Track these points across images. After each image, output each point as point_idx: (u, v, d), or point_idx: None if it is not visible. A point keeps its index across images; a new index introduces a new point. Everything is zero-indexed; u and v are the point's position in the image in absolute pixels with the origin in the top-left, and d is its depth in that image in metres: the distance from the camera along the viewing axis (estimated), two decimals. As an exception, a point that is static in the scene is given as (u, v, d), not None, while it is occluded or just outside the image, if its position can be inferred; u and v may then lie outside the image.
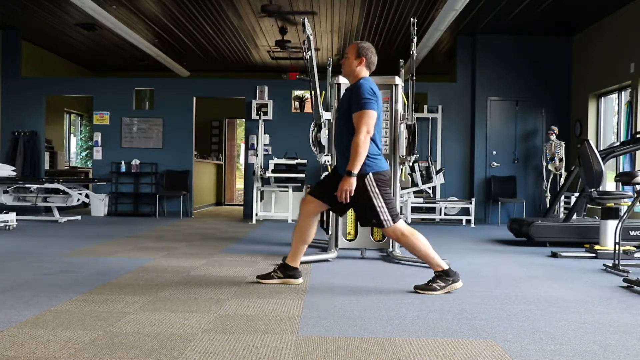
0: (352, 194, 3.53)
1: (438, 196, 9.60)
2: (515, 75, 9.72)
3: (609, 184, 7.68)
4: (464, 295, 3.59)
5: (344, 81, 5.23)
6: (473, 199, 9.15)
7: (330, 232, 5.29)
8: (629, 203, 5.14)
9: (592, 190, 5.53)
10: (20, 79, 9.99)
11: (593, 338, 2.65)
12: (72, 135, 13.43)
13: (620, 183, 7.24)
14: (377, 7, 8.18)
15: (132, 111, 10.09)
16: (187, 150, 10.06)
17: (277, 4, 8.06)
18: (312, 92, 5.26)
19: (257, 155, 9.28)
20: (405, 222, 3.96)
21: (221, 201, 14.07)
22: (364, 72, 3.76)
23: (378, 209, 3.56)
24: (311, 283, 3.94)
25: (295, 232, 3.88)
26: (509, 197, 9.48)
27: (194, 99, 10.17)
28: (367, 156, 3.55)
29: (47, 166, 10.54)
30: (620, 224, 4.59)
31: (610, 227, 5.37)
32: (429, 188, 9.32)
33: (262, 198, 9.50)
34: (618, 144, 7.03)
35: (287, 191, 9.06)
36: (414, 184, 8.90)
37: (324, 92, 5.55)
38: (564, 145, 8.91)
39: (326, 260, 4.98)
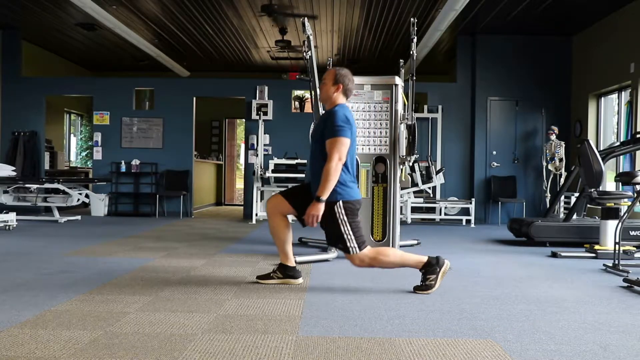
0: (320, 220, 3.56)
1: (438, 196, 9.60)
2: (515, 75, 9.72)
3: (609, 184, 7.68)
4: (464, 295, 3.59)
5: (344, 81, 5.23)
6: (473, 199, 9.14)
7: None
8: (629, 203, 5.14)
9: (592, 190, 5.53)
10: (20, 79, 9.99)
11: (593, 338, 2.66)
12: (72, 135, 13.43)
13: (620, 183, 7.24)
14: (377, 7, 8.18)
15: (132, 111, 10.09)
16: (187, 150, 10.06)
17: (277, 4, 8.06)
18: (312, 92, 5.26)
19: (257, 155, 9.28)
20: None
21: (221, 201, 14.07)
22: (340, 99, 3.77)
23: (345, 236, 3.58)
24: (311, 283, 3.95)
25: (272, 236, 3.89)
26: (509, 197, 9.48)
27: (194, 99, 10.17)
28: (339, 183, 3.57)
29: (47, 166, 10.54)
30: (620, 224, 4.59)
31: (610, 227, 5.37)
32: (429, 188, 9.32)
33: (262, 198, 9.49)
34: (618, 144, 7.03)
35: (287, 191, 9.04)
36: (414, 184, 8.90)
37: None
38: (564, 145, 8.91)
39: (326, 260, 4.98)
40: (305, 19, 5.20)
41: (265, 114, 9.78)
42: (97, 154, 10.05)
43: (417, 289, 3.65)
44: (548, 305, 3.36)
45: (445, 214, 9.45)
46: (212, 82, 10.53)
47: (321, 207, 3.51)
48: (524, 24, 8.93)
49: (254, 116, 9.80)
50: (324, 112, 3.90)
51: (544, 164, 9.25)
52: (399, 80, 5.28)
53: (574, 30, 9.36)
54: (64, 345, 2.40)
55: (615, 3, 7.91)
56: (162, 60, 11.16)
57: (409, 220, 8.91)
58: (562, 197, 8.12)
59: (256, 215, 9.08)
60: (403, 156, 5.24)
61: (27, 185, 8.54)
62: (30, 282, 3.78)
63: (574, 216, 6.57)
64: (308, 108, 11.33)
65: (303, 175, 9.01)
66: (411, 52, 5.36)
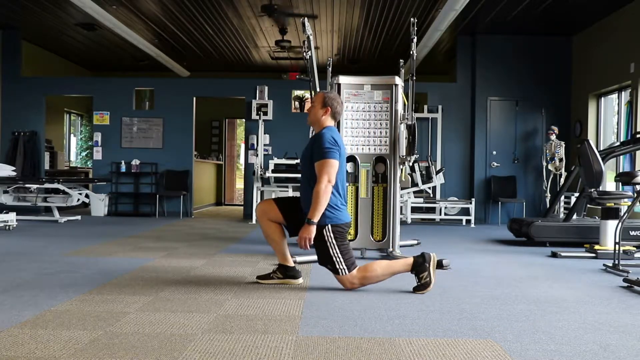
0: (312, 242, 3.59)
1: (438, 196, 9.60)
2: (515, 75, 9.72)
3: (609, 184, 7.68)
4: (464, 295, 3.59)
5: (344, 81, 5.24)
6: (473, 199, 9.14)
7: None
8: (629, 203, 5.14)
9: (592, 190, 5.53)
10: (20, 79, 9.99)
11: (593, 338, 2.66)
12: (72, 135, 13.43)
13: (620, 183, 7.24)
14: (377, 7, 8.18)
15: (132, 111, 10.09)
16: (187, 150, 10.06)
17: (277, 4, 8.06)
18: (312, 92, 5.26)
19: (257, 155, 9.28)
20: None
21: (221, 201, 14.07)
22: (328, 122, 3.81)
23: (334, 258, 3.61)
24: (311, 283, 3.95)
25: (266, 238, 3.91)
26: (509, 197, 9.48)
27: (194, 99, 10.17)
28: (329, 206, 3.60)
29: (47, 166, 10.54)
30: (620, 224, 4.59)
31: (610, 227, 5.37)
32: (429, 188, 9.32)
33: (262, 198, 9.48)
34: (618, 144, 7.03)
35: (287, 191, 9.05)
36: (414, 184, 8.90)
37: (324, 92, 5.54)
38: (564, 145, 8.91)
39: (326, 260, 4.97)
40: (305, 19, 5.20)
41: (265, 114, 9.78)
42: (97, 154, 10.05)
43: (416, 290, 3.66)
44: (548, 305, 3.36)
45: (445, 214, 9.45)
46: (212, 82, 10.54)
47: (312, 230, 3.54)
48: (524, 24, 8.93)
49: (254, 116, 9.80)
50: (312, 135, 3.94)
51: (544, 164, 9.25)
52: (399, 80, 5.28)
53: (574, 30, 9.36)
54: (64, 345, 2.40)
55: (615, 3, 7.91)
56: (162, 60, 11.16)
57: (409, 220, 8.91)
58: (562, 197, 8.12)
59: (255, 216, 9.07)
60: (403, 156, 5.24)
61: (27, 185, 8.53)
62: (30, 282, 3.78)
63: (574, 216, 6.57)
64: (307, 108, 11.32)
65: (301, 176, 8.99)
66: (411, 52, 5.36)
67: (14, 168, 8.89)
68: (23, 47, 10.14)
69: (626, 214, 4.72)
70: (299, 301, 3.35)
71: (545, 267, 4.87)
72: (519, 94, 9.72)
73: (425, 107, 9.90)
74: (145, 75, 12.34)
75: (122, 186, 10.02)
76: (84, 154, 13.52)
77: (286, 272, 3.88)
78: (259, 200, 9.20)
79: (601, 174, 5.62)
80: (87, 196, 9.18)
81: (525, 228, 6.32)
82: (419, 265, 3.64)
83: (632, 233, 5.91)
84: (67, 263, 4.63)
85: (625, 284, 4.00)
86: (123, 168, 9.88)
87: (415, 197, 9.13)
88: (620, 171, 7.62)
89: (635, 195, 4.81)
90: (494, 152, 9.74)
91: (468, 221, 9.16)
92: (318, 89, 5.10)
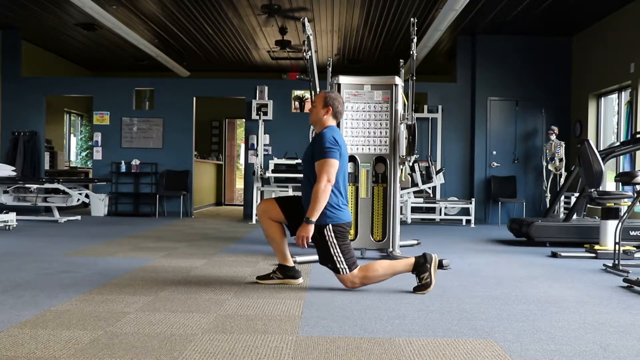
0: (310, 240, 3.59)
1: (438, 196, 9.60)
2: (515, 75, 9.72)
3: (609, 184, 7.68)
4: (464, 295, 3.59)
5: (344, 81, 5.24)
6: (473, 199, 9.14)
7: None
8: (629, 203, 5.14)
9: (592, 190, 5.53)
10: (20, 79, 9.99)
11: (593, 338, 2.66)
12: (72, 135, 13.43)
13: (620, 183, 7.24)
14: (377, 7, 8.18)
15: (132, 111, 10.09)
16: (187, 150, 10.06)
17: (277, 4, 8.06)
18: (312, 92, 5.26)
19: (257, 155, 9.28)
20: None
21: (221, 201, 14.07)
22: (330, 121, 3.81)
23: (335, 257, 3.62)
24: (311, 283, 3.95)
25: (266, 238, 3.91)
26: (509, 197, 9.48)
27: (194, 99, 10.17)
28: (330, 206, 3.60)
29: (47, 166, 10.54)
30: (620, 224, 4.59)
31: (610, 227, 5.37)
32: (429, 188, 9.32)
33: (262, 198, 9.49)
34: (618, 144, 7.03)
35: (288, 191, 9.05)
36: (414, 184, 8.90)
37: (324, 92, 5.54)
38: (564, 145, 8.91)
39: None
40: (306, 19, 5.20)
41: (265, 114, 9.78)
42: (97, 154, 10.05)
43: (416, 290, 3.66)
44: (548, 305, 3.36)
45: (445, 214, 9.45)
46: (212, 82, 10.53)
47: (310, 229, 3.54)
48: (524, 24, 8.93)
49: (254, 116, 9.80)
50: (313, 135, 3.94)
51: (544, 164, 9.25)
52: (399, 80, 5.28)
53: (574, 30, 9.36)
54: (64, 345, 2.40)
55: (615, 3, 7.91)
56: (162, 60, 11.16)
57: (409, 220, 8.91)
58: (562, 197, 8.12)
59: (256, 215, 9.08)
60: (403, 156, 5.23)
61: (27, 185, 8.53)
62: (30, 282, 3.78)
63: (574, 216, 6.57)
64: (308, 108, 11.33)
65: (303, 176, 8.99)
66: (411, 52, 5.36)
67: (14, 168, 8.90)
68: (23, 47, 10.14)
69: (626, 214, 4.72)
70: (299, 301, 3.35)
71: (545, 267, 4.87)
72: (519, 94, 9.72)
73: (425, 107, 9.90)
74: (145, 75, 12.34)
75: (122, 186, 10.02)
76: (84, 154, 13.52)
77: (286, 272, 3.88)
78: (259, 200, 9.20)
79: (601, 174, 5.62)
80: (87, 196, 9.18)
81: (525, 228, 6.32)
82: (420, 266, 3.65)
83: (632, 233, 5.91)
84: (67, 263, 4.63)
85: (625, 284, 4.00)
86: (123, 168, 9.88)
87: (415, 197, 9.13)
88: (620, 171, 7.62)
89: (635, 195, 4.81)
90: (494, 152, 9.74)
91: (468, 221, 9.16)
92: (318, 89, 5.10)
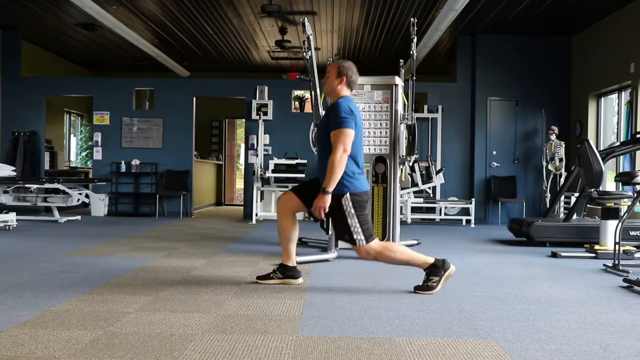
0: (327, 211, 3.56)
1: (438, 196, 9.60)
2: (515, 75, 9.72)
3: (609, 184, 7.68)
4: (464, 295, 3.59)
5: (344, 81, 5.23)
6: (473, 199, 9.14)
7: (330, 232, 5.29)
8: (629, 203, 5.14)
9: (592, 190, 5.53)
10: (20, 79, 9.99)
11: (593, 338, 2.66)
12: (72, 135, 13.43)
13: (620, 183, 7.24)
14: (377, 7, 8.18)
15: (132, 111, 10.08)
16: (187, 150, 10.06)
17: (277, 4, 8.06)
18: (312, 92, 5.26)
19: (257, 155, 9.28)
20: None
21: (221, 201, 14.07)
22: (344, 91, 3.77)
23: (352, 228, 3.58)
24: (311, 283, 3.94)
25: (279, 234, 3.89)
26: (509, 197, 9.48)
27: (194, 99, 10.17)
28: (346, 175, 3.57)
29: (47, 166, 10.54)
30: (620, 224, 4.59)
31: (610, 227, 5.37)
32: (429, 188, 9.32)
33: (262, 198, 9.50)
34: (618, 144, 7.03)
35: (287, 191, 9.05)
36: (414, 184, 8.90)
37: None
38: (564, 145, 8.91)
39: (326, 260, 4.98)
40: (306, 19, 5.20)
41: (265, 114, 9.78)
42: (97, 154, 10.05)
43: (417, 289, 3.65)
44: (548, 305, 3.36)
45: (445, 214, 9.45)
46: (212, 82, 10.53)
47: (327, 199, 3.51)
48: (524, 24, 8.93)
49: (254, 116, 9.80)
50: (328, 105, 3.90)
51: (544, 164, 9.25)
52: (399, 80, 5.28)
53: (574, 30, 9.36)
54: (64, 345, 2.40)
55: (615, 3, 7.91)
56: (162, 60, 11.17)
57: (409, 220, 8.91)
58: (562, 197, 8.12)
59: (256, 215, 9.08)
60: (403, 156, 5.24)
61: (27, 185, 8.53)
62: (30, 282, 3.78)
63: (574, 216, 6.57)
64: (308, 108, 11.33)
65: (303, 175, 9.01)
66: (411, 52, 5.36)
67: (14, 168, 8.89)
68: (23, 47, 10.14)
69: (626, 214, 4.72)
70: (299, 301, 3.35)
71: (545, 267, 4.87)
72: (519, 94, 9.72)
73: (425, 107, 9.90)
74: (145, 75, 12.34)
75: (122, 186, 10.02)
76: (84, 154, 13.52)
77: (286, 272, 3.88)
78: (259, 201, 9.21)
79: (601, 174, 5.62)
80: (87, 196, 9.18)
81: (525, 228, 6.32)
82: (436, 268, 3.62)
83: (632, 233, 5.91)
84: (67, 263, 4.63)
85: (625, 284, 4.00)
86: (123, 168, 9.88)
87: (415, 197, 9.13)
88: (620, 171, 7.62)
89: (635, 195, 4.81)
90: (494, 152, 9.74)
91: (468, 221, 9.16)
92: (318, 89, 5.10)
